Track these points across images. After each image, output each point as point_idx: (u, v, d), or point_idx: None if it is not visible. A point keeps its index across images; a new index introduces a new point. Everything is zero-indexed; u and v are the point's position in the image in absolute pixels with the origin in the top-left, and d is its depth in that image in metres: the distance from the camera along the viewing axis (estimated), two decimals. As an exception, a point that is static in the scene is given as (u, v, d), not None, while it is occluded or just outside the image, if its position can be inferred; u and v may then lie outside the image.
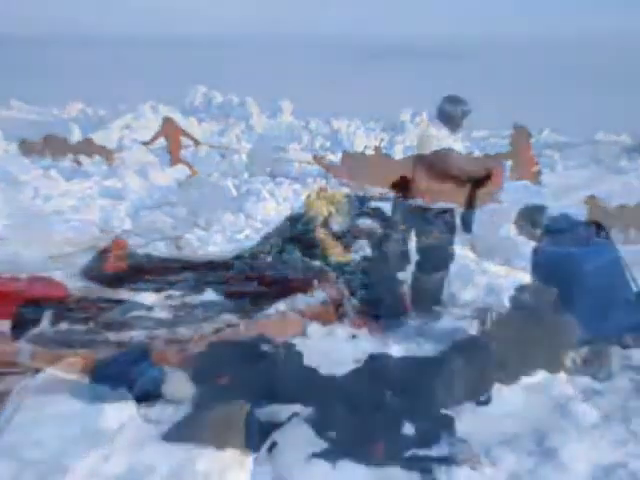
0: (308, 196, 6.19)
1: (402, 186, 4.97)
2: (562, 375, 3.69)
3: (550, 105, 22.93)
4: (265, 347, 3.59)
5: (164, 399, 3.20)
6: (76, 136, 14.73)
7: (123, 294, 4.85)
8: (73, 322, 4.17)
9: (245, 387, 3.21)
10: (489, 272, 5.73)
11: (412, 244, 5.04)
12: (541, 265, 4.24)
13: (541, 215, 4.36)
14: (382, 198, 6.47)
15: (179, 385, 3.24)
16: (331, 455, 2.79)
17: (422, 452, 2.87)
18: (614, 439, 3.06)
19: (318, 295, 4.54)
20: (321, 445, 2.84)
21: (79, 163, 12.34)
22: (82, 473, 2.66)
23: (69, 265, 5.85)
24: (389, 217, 5.53)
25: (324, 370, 3.55)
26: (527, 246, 4.54)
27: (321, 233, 5.57)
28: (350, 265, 5.03)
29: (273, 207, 8.62)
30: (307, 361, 3.63)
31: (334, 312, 4.50)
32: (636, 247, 7.13)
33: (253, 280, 5.09)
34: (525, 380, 3.58)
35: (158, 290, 4.94)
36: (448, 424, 3.07)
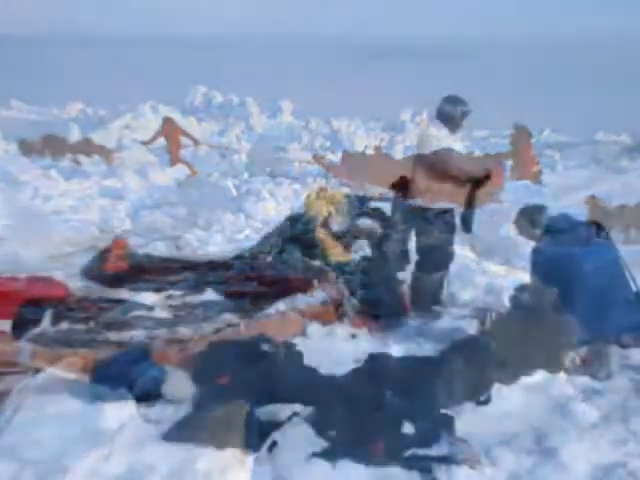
0: (308, 196, 6.19)
1: (402, 186, 4.97)
2: (562, 375, 3.69)
3: (550, 105, 22.95)
4: (265, 347, 3.59)
5: (164, 399, 3.21)
6: (76, 136, 14.71)
7: (123, 294, 4.86)
8: (74, 322, 4.18)
9: (245, 387, 3.21)
10: (489, 272, 5.74)
11: (412, 244, 5.04)
12: (541, 265, 4.24)
13: (541, 215, 4.36)
14: (382, 198, 6.47)
15: (179, 385, 3.24)
16: (331, 454, 2.79)
17: (422, 452, 2.88)
18: (614, 439, 3.07)
19: (318, 295, 4.54)
20: (321, 444, 2.84)
21: (78, 163, 12.34)
22: (82, 473, 2.66)
23: (69, 265, 5.85)
24: (389, 217, 5.54)
25: (324, 370, 3.56)
26: (527, 246, 4.54)
27: (321, 233, 5.57)
28: (350, 265, 5.03)
29: (273, 207, 8.62)
30: (307, 361, 3.63)
31: (334, 312, 4.50)
32: (636, 247, 7.13)
33: (253, 280, 5.09)
34: (525, 380, 3.59)
35: (158, 290, 4.94)
36: (448, 424, 3.07)
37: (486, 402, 3.37)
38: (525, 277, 4.57)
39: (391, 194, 5.32)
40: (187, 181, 11.01)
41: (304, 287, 4.63)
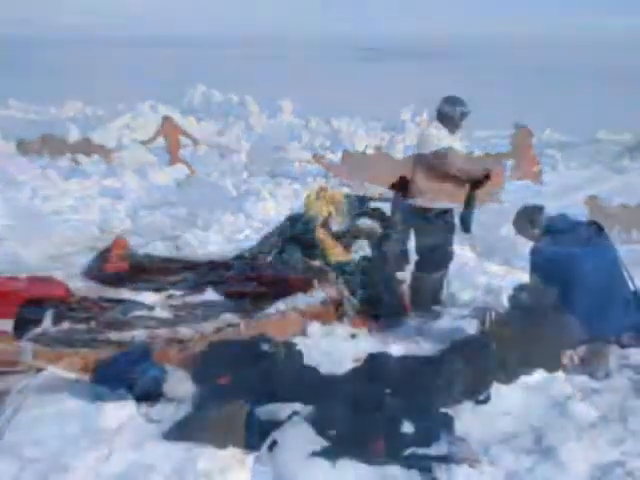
0: (308, 196, 6.20)
1: (402, 186, 4.98)
2: (560, 374, 3.70)
3: (551, 104, 22.86)
4: (265, 347, 3.60)
5: (165, 398, 3.22)
6: (75, 135, 14.65)
7: (124, 294, 4.87)
8: (75, 322, 4.19)
9: (245, 386, 3.23)
10: (489, 272, 5.74)
11: (411, 244, 5.05)
12: (540, 265, 4.25)
13: (539, 215, 4.37)
14: (382, 198, 6.47)
15: (180, 384, 3.26)
16: (331, 453, 2.81)
17: (421, 451, 2.89)
18: (612, 438, 3.08)
19: (318, 295, 4.56)
20: (321, 443, 2.85)
21: (77, 163, 12.30)
22: (82, 472, 2.68)
23: (69, 265, 5.86)
24: (389, 217, 5.55)
25: (324, 369, 3.57)
26: (527, 246, 4.55)
27: (321, 233, 5.58)
28: (350, 265, 5.04)
29: (273, 207, 8.59)
30: (307, 360, 3.65)
31: (334, 312, 4.52)
32: (637, 247, 7.13)
33: (253, 280, 5.10)
34: (524, 379, 3.60)
35: (159, 290, 4.96)
36: (447, 423, 3.08)
37: (485, 401, 3.38)
38: (524, 277, 4.57)
39: (391, 194, 5.33)
40: (187, 181, 10.98)
41: (304, 287, 4.64)
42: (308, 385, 3.30)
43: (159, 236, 7.22)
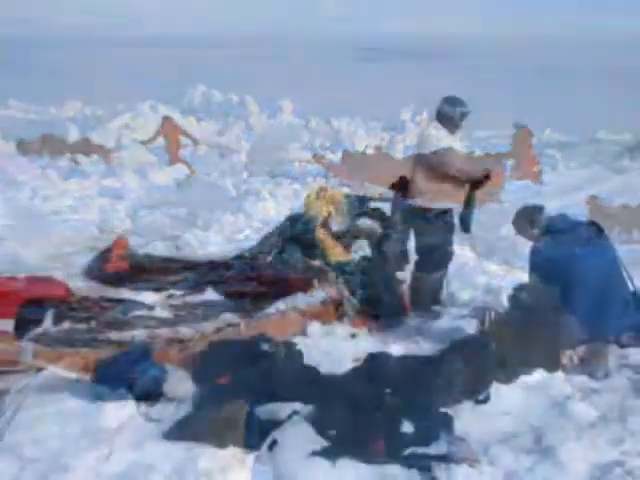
0: (308, 196, 6.20)
1: (401, 186, 4.98)
2: (560, 374, 3.71)
3: (551, 104, 22.86)
4: (265, 346, 3.61)
5: (165, 398, 3.22)
6: (74, 135, 14.65)
7: (124, 294, 4.88)
8: (75, 321, 4.20)
9: (246, 386, 3.23)
10: (488, 272, 5.75)
11: (411, 244, 5.06)
12: (539, 265, 4.25)
13: (539, 215, 4.37)
14: (382, 198, 6.48)
15: (180, 383, 3.26)
16: (331, 453, 2.81)
17: (421, 450, 2.89)
18: (611, 437, 3.08)
19: (318, 295, 4.56)
20: (321, 443, 2.85)
21: (77, 163, 12.30)
22: (83, 472, 2.68)
23: (69, 265, 5.86)
24: (389, 217, 5.55)
25: (324, 369, 3.57)
26: (526, 246, 4.55)
27: (321, 233, 5.58)
28: (350, 265, 5.05)
29: (273, 207, 8.60)
30: (307, 360, 3.65)
31: (334, 312, 4.52)
32: (636, 247, 7.13)
33: (253, 280, 5.11)
34: (523, 379, 3.61)
35: (159, 290, 4.96)
36: (447, 423, 3.09)
37: (485, 401, 3.39)
38: (524, 277, 4.58)
39: (391, 194, 5.33)
40: (187, 181, 10.98)
41: (304, 287, 4.64)
42: (308, 385, 3.31)
43: (159, 236, 7.22)
